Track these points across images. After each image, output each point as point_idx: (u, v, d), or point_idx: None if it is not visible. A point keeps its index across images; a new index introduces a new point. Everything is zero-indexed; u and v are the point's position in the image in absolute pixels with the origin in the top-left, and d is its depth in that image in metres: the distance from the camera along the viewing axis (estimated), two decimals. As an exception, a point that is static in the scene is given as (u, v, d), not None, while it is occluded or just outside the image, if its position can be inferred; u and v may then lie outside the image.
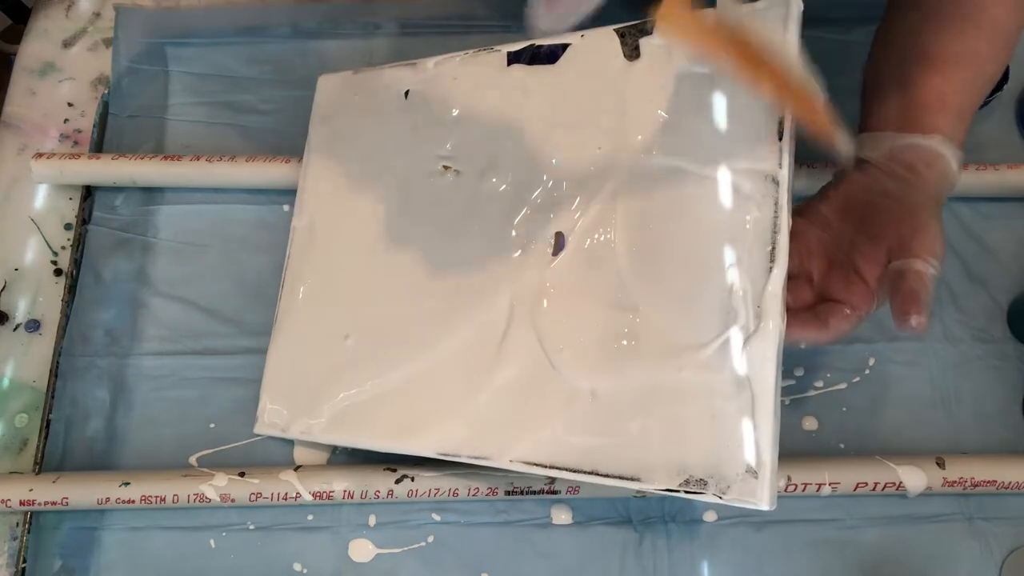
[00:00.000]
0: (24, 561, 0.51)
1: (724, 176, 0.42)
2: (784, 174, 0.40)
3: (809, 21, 0.64)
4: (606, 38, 0.47)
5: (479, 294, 0.47)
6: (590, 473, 0.41)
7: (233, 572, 0.51)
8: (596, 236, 0.44)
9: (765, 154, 0.41)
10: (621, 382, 0.42)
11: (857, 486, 0.49)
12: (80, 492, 0.50)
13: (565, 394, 0.43)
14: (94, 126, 0.62)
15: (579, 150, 0.46)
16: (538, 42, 0.49)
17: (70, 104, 0.64)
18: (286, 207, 0.59)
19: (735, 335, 0.39)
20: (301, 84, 0.63)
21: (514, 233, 0.47)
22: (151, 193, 0.60)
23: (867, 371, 0.54)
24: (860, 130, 0.47)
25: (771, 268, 0.40)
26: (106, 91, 0.64)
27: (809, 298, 0.44)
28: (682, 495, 0.39)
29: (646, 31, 0.45)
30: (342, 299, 0.52)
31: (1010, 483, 0.49)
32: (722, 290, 0.40)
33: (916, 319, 0.39)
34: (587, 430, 0.42)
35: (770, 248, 0.40)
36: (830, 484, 0.48)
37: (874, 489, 0.49)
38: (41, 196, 0.61)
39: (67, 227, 0.60)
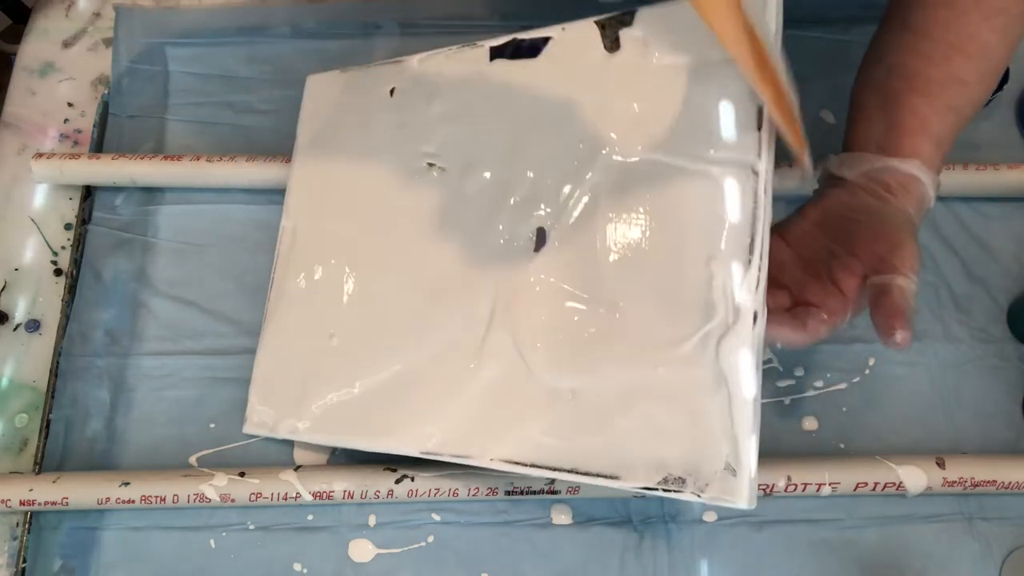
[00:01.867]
0: (24, 561, 0.51)
1: (703, 168, 0.41)
2: (763, 165, 0.39)
3: (809, 21, 0.65)
4: (587, 30, 0.45)
5: (462, 292, 0.47)
6: (570, 472, 0.41)
7: (233, 572, 0.51)
8: (577, 232, 0.44)
9: (744, 145, 0.40)
10: (600, 381, 0.42)
11: (857, 486, 0.49)
12: (80, 492, 0.50)
13: (545, 393, 0.43)
14: (94, 126, 0.62)
15: (561, 145, 0.45)
16: (520, 36, 0.48)
17: (70, 104, 0.64)
18: (286, 207, 0.60)
19: (713, 330, 0.39)
20: (301, 84, 0.63)
21: (499, 229, 0.46)
22: (151, 193, 0.60)
23: (867, 371, 0.54)
24: (844, 147, 0.47)
25: (750, 261, 0.38)
26: (106, 91, 0.64)
27: (786, 302, 0.44)
28: (660, 493, 0.39)
29: (625, 22, 0.44)
30: (327, 299, 0.52)
31: (1010, 483, 0.49)
32: (701, 285, 0.39)
33: (901, 334, 0.38)
34: (567, 429, 0.42)
35: (748, 241, 0.39)
36: (830, 484, 0.48)
37: (874, 489, 0.49)
38: (41, 196, 0.61)
39: (67, 227, 0.60)
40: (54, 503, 0.50)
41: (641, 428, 0.40)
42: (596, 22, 0.45)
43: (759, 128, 0.39)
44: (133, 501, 0.50)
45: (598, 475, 0.40)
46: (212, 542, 0.51)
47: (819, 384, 0.54)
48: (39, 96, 0.64)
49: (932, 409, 0.53)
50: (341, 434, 0.49)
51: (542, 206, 0.45)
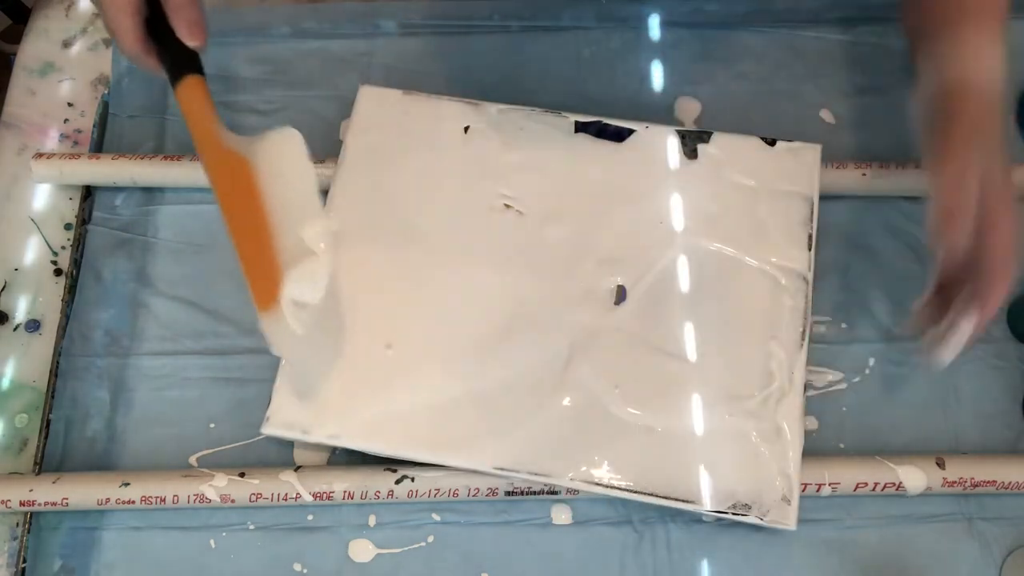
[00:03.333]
0: (24, 561, 0.51)
1: (766, 268, 0.52)
2: (811, 275, 0.52)
3: (809, 21, 0.65)
4: (667, 134, 0.55)
5: (540, 328, 0.51)
6: (649, 495, 0.47)
7: (233, 572, 0.51)
8: (655, 295, 0.52)
9: (798, 258, 0.52)
10: (675, 421, 0.49)
11: (857, 486, 0.49)
12: (80, 492, 0.50)
13: (623, 427, 0.49)
14: (94, 126, 0.62)
15: (642, 220, 0.54)
16: (605, 120, 0.56)
17: (70, 104, 0.64)
18: (286, 207, 0.59)
19: (773, 393, 0.49)
20: (301, 84, 0.63)
21: (579, 279, 0.52)
22: (151, 193, 0.60)
23: (867, 371, 0.54)
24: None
25: (802, 345, 0.50)
26: (106, 91, 0.64)
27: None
28: (730, 517, 0.47)
29: (703, 139, 0.55)
30: (382, 308, 0.52)
31: (1010, 483, 0.49)
32: (763, 355, 0.50)
33: (938, 362, 0.45)
34: (644, 459, 0.48)
35: (801, 330, 0.50)
36: (830, 484, 0.48)
37: (874, 489, 0.49)
38: (41, 196, 0.61)
39: (67, 227, 0.60)
40: (54, 504, 0.50)
41: (713, 463, 0.48)
42: (676, 131, 0.55)
43: (810, 249, 0.52)
44: (133, 501, 0.50)
45: (675, 499, 0.47)
46: (212, 542, 0.51)
47: (819, 384, 0.54)
48: (39, 96, 0.64)
49: (932, 409, 0.53)
50: (399, 444, 0.49)
51: (623, 268, 0.52)
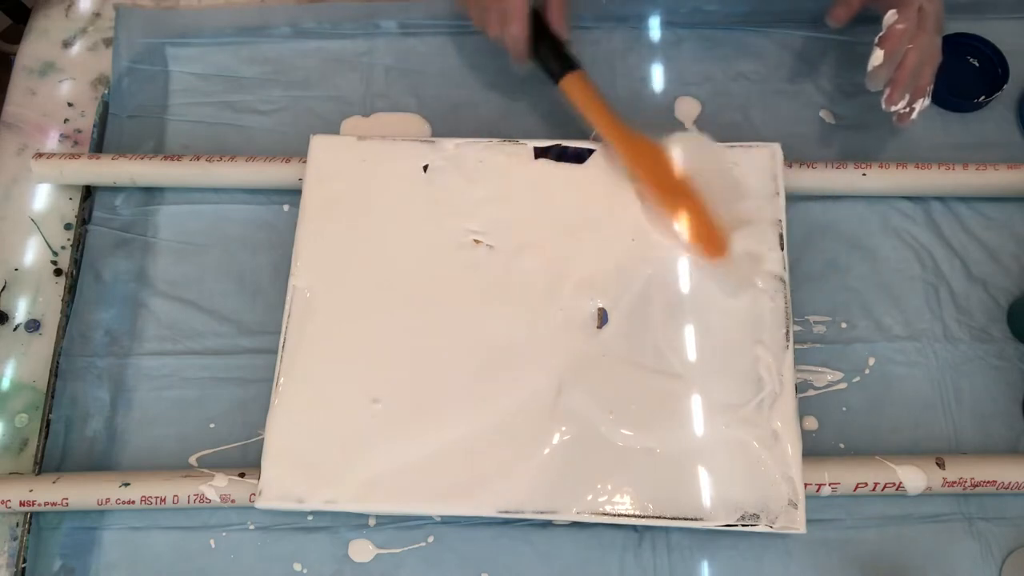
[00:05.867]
0: (24, 561, 0.51)
1: None
2: (787, 276, 0.51)
3: (809, 21, 0.65)
4: None
5: (525, 361, 0.51)
6: (656, 517, 0.47)
7: (233, 572, 0.51)
8: (637, 313, 0.51)
9: (773, 259, 0.52)
10: (673, 439, 0.48)
11: (857, 486, 0.49)
12: (80, 493, 0.50)
13: (622, 452, 0.48)
14: (94, 126, 0.62)
15: (614, 239, 0.53)
16: (564, 143, 0.56)
17: (70, 104, 0.64)
18: (286, 207, 0.59)
19: (766, 398, 0.49)
20: (301, 84, 0.63)
21: (558, 306, 0.51)
22: (151, 193, 0.60)
23: (867, 371, 0.54)
24: None
25: (787, 346, 0.50)
26: (106, 91, 0.64)
27: None
28: (739, 528, 0.47)
29: None
30: (364, 363, 0.51)
31: (1010, 483, 0.49)
32: (751, 361, 0.50)
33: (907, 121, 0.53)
34: (648, 482, 0.48)
35: (785, 331, 0.50)
36: (830, 484, 0.48)
37: (874, 489, 0.49)
38: (41, 196, 0.61)
39: (67, 227, 0.60)
40: (54, 504, 0.50)
41: (716, 476, 0.48)
42: None
43: (782, 249, 0.52)
44: (133, 502, 0.50)
45: (684, 518, 0.47)
46: (212, 542, 0.51)
47: (819, 384, 0.54)
48: (39, 96, 0.64)
49: (932, 409, 0.53)
50: (399, 500, 0.48)
51: (602, 290, 0.52)
